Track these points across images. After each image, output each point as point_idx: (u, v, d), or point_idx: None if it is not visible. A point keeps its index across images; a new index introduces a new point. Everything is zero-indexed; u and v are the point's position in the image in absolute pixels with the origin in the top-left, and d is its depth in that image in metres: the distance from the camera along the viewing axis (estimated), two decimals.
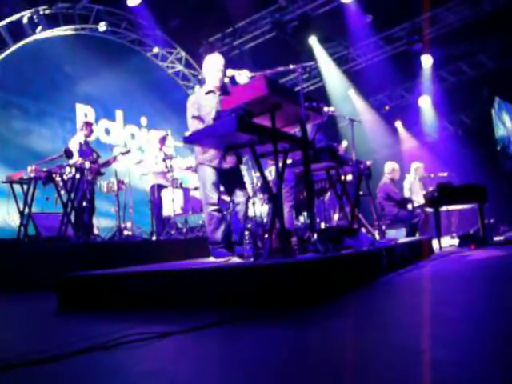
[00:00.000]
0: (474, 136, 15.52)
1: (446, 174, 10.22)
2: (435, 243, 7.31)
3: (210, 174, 4.91)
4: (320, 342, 2.13)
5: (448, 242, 9.16)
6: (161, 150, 9.00)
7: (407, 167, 10.77)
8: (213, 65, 5.06)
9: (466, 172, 12.48)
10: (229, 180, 5.11)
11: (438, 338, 1.96)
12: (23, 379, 1.85)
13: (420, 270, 4.86)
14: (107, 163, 8.13)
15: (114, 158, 8.16)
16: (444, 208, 8.18)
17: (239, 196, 5.09)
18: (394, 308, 2.89)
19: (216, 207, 4.91)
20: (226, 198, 6.48)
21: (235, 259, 4.41)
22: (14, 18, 10.00)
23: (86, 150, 8.05)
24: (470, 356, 1.67)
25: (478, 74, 14.77)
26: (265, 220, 8.12)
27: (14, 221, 8.03)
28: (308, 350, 2.01)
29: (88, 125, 8.37)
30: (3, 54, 9.88)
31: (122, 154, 8.25)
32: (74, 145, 7.91)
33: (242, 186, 5.17)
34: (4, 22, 9.84)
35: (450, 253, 6.84)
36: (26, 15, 10.15)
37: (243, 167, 8.51)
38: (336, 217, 9.19)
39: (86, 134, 8.26)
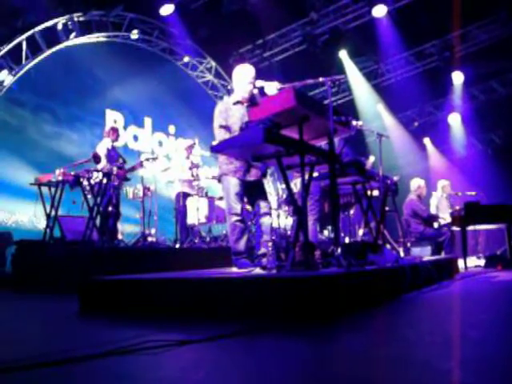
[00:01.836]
0: (503, 156, 15.31)
1: (474, 194, 10.09)
2: (461, 263, 7.19)
3: (234, 185, 4.90)
4: (341, 357, 2.10)
5: (474, 262, 9.02)
6: (187, 158, 9.05)
7: (434, 184, 10.66)
8: (244, 76, 5.05)
9: (495, 192, 12.31)
10: (252, 192, 5.10)
11: (460, 358, 1.92)
12: (44, 379, 1.86)
13: (444, 289, 4.79)
14: (133, 168, 8.21)
15: (141, 164, 8.23)
16: (471, 227, 8.06)
17: (263, 208, 5.08)
18: (417, 326, 2.84)
19: (239, 217, 4.90)
20: (250, 208, 6.48)
21: (258, 270, 4.39)
22: (49, 23, 10.20)
23: (113, 155, 8.15)
24: (494, 379, 1.63)
25: (510, 92, 14.59)
26: (289, 232, 8.10)
27: (41, 223, 8.14)
28: (329, 364, 1.98)
29: (114, 130, 8.49)
30: (37, 59, 10.07)
31: (147, 159, 8.32)
32: (101, 150, 8.01)
33: (265, 199, 5.16)
34: (39, 28, 10.03)
35: (475, 273, 6.73)
36: (60, 21, 10.36)
37: (269, 178, 8.52)
38: (361, 232, 9.13)
39: (113, 139, 8.38)
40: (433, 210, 10.06)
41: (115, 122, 11.31)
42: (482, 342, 2.23)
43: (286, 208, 8.54)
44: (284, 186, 6.55)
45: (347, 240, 8.20)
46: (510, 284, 5.36)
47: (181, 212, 8.70)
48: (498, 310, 3.42)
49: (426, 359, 1.95)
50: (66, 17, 10.41)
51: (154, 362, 2.05)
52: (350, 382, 1.70)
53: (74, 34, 10.61)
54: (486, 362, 1.88)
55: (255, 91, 5.07)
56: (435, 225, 9.22)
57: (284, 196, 8.69)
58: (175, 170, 8.97)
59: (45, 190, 7.33)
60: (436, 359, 1.93)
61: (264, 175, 5.20)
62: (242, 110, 4.97)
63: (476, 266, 8.09)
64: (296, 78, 5.04)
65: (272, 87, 4.69)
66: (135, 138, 12.14)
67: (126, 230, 9.42)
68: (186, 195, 8.80)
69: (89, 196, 7.17)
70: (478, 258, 10.17)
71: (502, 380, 1.63)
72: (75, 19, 10.57)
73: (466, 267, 7.43)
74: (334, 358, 2.10)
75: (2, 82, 9.70)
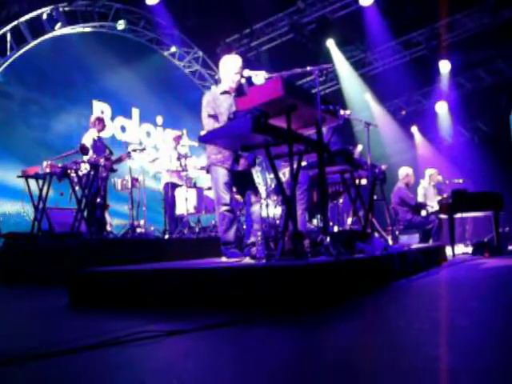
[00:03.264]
0: (490, 143, 15.40)
1: (461, 181, 10.15)
2: (449, 250, 7.25)
3: (222, 175, 4.89)
4: (331, 345, 2.11)
5: (462, 249, 9.10)
6: (175, 148, 9.02)
7: (422, 172, 10.71)
8: (231, 66, 5.02)
9: (482, 179, 12.40)
10: (241, 182, 5.10)
11: (449, 345, 1.94)
12: (33, 373, 1.86)
13: (432, 276, 4.83)
14: (120, 159, 8.13)
15: (127, 154, 8.16)
16: (458, 215, 8.12)
17: (252, 198, 5.08)
18: (406, 314, 2.87)
19: (228, 207, 4.90)
20: (239, 197, 6.48)
21: (247, 260, 4.40)
22: (34, 14, 10.09)
23: (100, 146, 8.06)
24: (482, 365, 1.65)
25: (496, 80, 14.65)
26: (278, 222, 8.10)
27: (29, 215, 8.09)
28: (319, 353, 2.00)
29: (100, 120, 8.34)
30: (22, 50, 9.96)
31: (134, 150, 8.24)
32: (87, 141, 7.91)
33: (255, 188, 5.16)
34: (24, 18, 9.92)
35: (463, 260, 6.79)
36: (45, 12, 10.24)
37: (257, 168, 8.51)
38: (349, 220, 9.16)
39: (99, 129, 8.24)
40: (420, 199, 10.10)
41: (102, 112, 11.23)
42: (470, 328, 2.25)
43: (275, 198, 8.53)
44: (272, 175, 6.56)
45: (336, 229, 8.22)
46: (496, 271, 5.41)
47: (169, 203, 8.67)
48: (484, 296, 3.46)
49: (416, 346, 1.97)
50: (51, 7, 10.29)
51: (142, 353, 2.05)
52: (341, 370, 1.71)
53: (59, 25, 10.48)
54: (474, 347, 1.91)
55: (243, 81, 5.05)
56: (423, 213, 9.27)
57: (272, 186, 8.68)
58: (163, 161, 8.93)
59: (32, 182, 7.29)
60: (425, 346, 1.95)
61: (253, 165, 5.20)
62: (230, 100, 4.95)
63: (464, 253, 8.16)
64: (283, 67, 5.03)
65: (260, 77, 4.68)
66: (123, 128, 12.07)
67: (115, 221, 9.38)
68: (174, 186, 8.77)
69: (77, 188, 7.14)
70: (466, 245, 10.27)
71: (489, 365, 1.65)
72: (60, 9, 10.45)
73: (453, 254, 7.49)
74: (324, 346, 2.11)
75: None
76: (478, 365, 1.64)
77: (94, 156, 7.49)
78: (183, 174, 8.56)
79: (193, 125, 9.36)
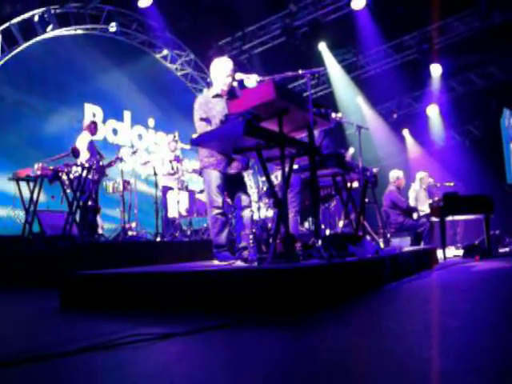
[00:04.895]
0: (481, 147, 15.49)
1: (452, 184, 10.20)
2: (440, 253, 7.27)
3: (215, 178, 4.90)
4: (324, 347, 2.12)
5: (453, 252, 9.13)
6: (173, 151, 9.01)
7: (414, 176, 10.76)
8: (221, 70, 5.04)
9: (473, 182, 12.46)
10: (233, 185, 5.11)
11: (441, 347, 1.95)
12: (23, 376, 1.85)
13: (424, 279, 4.84)
14: (110, 164, 8.14)
15: (117, 159, 8.17)
16: (449, 218, 8.14)
17: (243, 201, 5.09)
18: (397, 316, 2.87)
19: (220, 210, 4.90)
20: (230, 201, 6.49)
21: (239, 263, 4.40)
22: (26, 16, 10.05)
23: (93, 149, 8.06)
24: (473, 366, 1.65)
25: (487, 84, 14.74)
26: (270, 225, 8.10)
27: (20, 218, 8.05)
28: (312, 355, 2.00)
29: (95, 124, 8.40)
30: (14, 52, 9.92)
31: (120, 159, 8.26)
32: (82, 144, 7.91)
33: (245, 191, 5.17)
34: (15, 20, 9.88)
35: (454, 263, 6.81)
36: (37, 14, 10.20)
37: (249, 171, 8.51)
38: (341, 224, 9.18)
39: (93, 133, 8.27)
40: (411, 203, 10.15)
41: (94, 115, 11.20)
42: (461, 330, 2.27)
43: (267, 201, 8.54)
44: (264, 178, 6.56)
45: (328, 232, 8.24)
46: (487, 274, 5.44)
47: (164, 206, 8.69)
48: (475, 299, 3.47)
49: (408, 348, 1.98)
50: (43, 9, 10.26)
51: (135, 357, 2.05)
52: (333, 373, 1.72)
53: (51, 27, 10.45)
54: (465, 349, 1.91)
55: (235, 84, 5.06)
56: (414, 216, 9.30)
57: (264, 189, 8.68)
58: (156, 164, 8.92)
59: (23, 184, 7.26)
60: (417, 348, 1.96)
61: (246, 167, 5.20)
62: (222, 103, 4.96)
63: (455, 256, 8.19)
64: (275, 70, 5.04)
65: (251, 80, 4.69)
66: (114, 131, 12.04)
67: (106, 225, 9.35)
68: (166, 188, 8.78)
69: (68, 190, 7.12)
70: (457, 248, 10.30)
71: (481, 366, 1.66)
72: (52, 11, 10.42)
73: (444, 257, 7.51)
74: (317, 348, 2.11)
75: None
76: (469, 366, 1.65)
77: (92, 158, 7.49)
78: (175, 176, 8.57)
79: (185, 127, 9.35)
